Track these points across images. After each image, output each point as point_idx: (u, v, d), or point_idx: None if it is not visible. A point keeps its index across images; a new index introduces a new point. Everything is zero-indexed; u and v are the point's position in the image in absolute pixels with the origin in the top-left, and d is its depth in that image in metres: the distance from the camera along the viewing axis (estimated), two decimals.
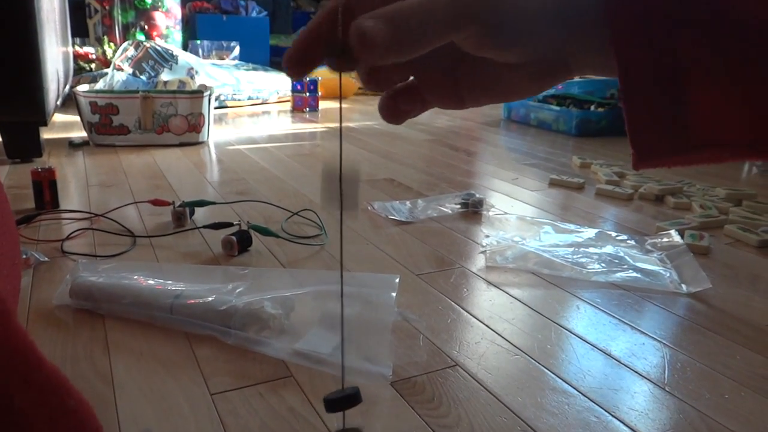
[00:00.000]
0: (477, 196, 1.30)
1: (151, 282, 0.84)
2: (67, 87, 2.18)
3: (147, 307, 0.78)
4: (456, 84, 0.32)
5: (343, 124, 2.40)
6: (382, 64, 0.26)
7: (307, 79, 2.68)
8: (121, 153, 1.77)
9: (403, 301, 0.86)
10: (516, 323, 0.81)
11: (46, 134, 1.86)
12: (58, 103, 1.83)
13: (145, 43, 2.52)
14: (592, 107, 2.35)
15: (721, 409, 0.64)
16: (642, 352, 0.75)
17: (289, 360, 0.70)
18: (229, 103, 2.68)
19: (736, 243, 1.15)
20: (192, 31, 3.99)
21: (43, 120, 1.55)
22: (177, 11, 3.22)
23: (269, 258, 1.01)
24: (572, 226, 1.19)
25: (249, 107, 2.77)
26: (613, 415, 0.63)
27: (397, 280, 0.88)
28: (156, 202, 1.21)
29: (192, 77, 2.49)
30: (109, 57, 2.91)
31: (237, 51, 3.55)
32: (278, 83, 2.86)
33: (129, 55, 2.47)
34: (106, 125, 1.83)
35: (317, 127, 2.35)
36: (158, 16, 3.09)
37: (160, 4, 3.09)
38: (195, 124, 1.89)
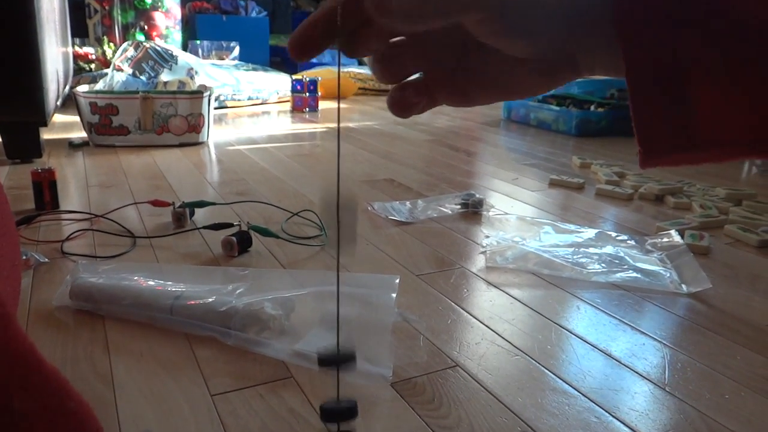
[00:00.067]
0: (477, 196, 1.30)
1: (151, 283, 0.84)
2: (67, 87, 2.18)
3: (147, 308, 0.78)
4: (463, 79, 0.32)
5: (343, 125, 2.40)
6: (399, 29, 0.27)
7: (307, 79, 2.68)
8: (121, 153, 1.77)
9: (403, 302, 0.86)
10: (516, 324, 0.81)
11: (45, 135, 1.86)
12: (58, 103, 1.83)
13: (144, 44, 2.51)
14: (592, 107, 2.35)
15: (721, 409, 0.64)
16: (642, 353, 0.75)
17: (289, 361, 0.70)
18: (228, 104, 2.68)
19: (736, 243, 1.15)
20: (192, 32, 3.99)
21: (43, 120, 1.55)
22: (177, 11, 3.22)
23: (269, 259, 1.00)
24: (572, 227, 1.19)
25: (249, 107, 2.77)
26: (613, 416, 0.63)
27: (397, 281, 0.88)
28: (156, 203, 1.21)
29: (192, 77, 2.49)
30: (108, 57, 2.92)
31: (237, 51, 3.56)
32: (278, 83, 2.86)
33: (129, 56, 2.47)
34: (106, 126, 1.83)
35: (317, 127, 2.35)
36: (158, 17, 3.09)
37: (159, 4, 3.09)
38: (195, 125, 1.89)
